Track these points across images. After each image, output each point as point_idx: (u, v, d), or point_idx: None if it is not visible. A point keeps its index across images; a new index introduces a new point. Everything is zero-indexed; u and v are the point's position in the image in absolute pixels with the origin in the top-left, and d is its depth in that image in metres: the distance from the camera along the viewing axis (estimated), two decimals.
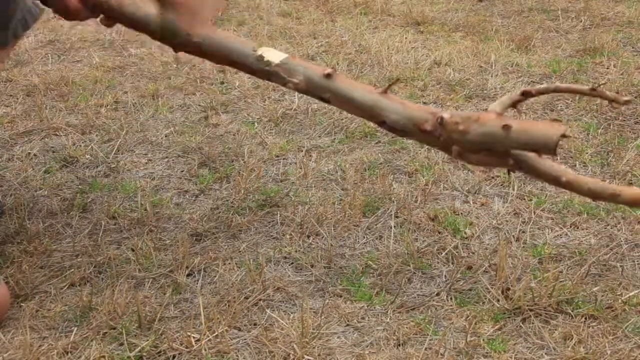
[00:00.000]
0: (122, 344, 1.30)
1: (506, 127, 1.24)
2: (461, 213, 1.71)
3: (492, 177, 1.87)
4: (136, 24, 1.42)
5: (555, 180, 1.28)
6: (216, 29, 1.42)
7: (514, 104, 1.30)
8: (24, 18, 1.50)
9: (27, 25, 1.51)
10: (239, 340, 1.32)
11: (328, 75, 1.36)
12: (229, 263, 1.54)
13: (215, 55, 1.42)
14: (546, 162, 1.28)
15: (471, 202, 1.77)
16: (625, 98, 1.29)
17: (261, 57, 1.36)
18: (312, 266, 1.54)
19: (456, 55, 2.70)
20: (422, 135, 1.34)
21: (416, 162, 1.94)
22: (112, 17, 1.42)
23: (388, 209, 1.73)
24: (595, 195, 1.27)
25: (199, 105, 2.31)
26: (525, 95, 1.29)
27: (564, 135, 1.24)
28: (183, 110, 2.29)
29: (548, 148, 1.26)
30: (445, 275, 1.50)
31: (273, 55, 1.37)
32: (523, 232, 1.65)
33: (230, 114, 2.26)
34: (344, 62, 2.67)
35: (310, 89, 1.40)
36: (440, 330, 1.35)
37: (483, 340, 1.32)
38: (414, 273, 1.51)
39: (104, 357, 1.28)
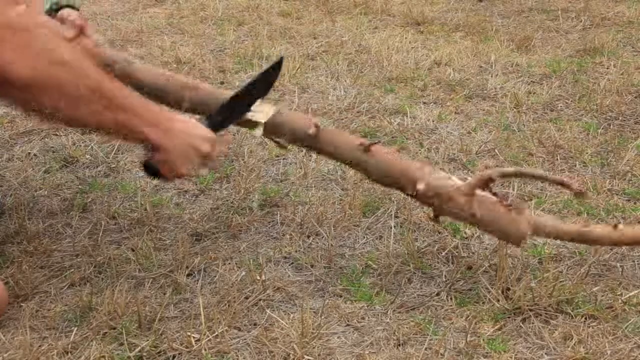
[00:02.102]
0: (122, 344, 1.30)
1: (472, 215, 1.40)
2: None
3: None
4: None
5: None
6: (206, 86, 1.51)
7: (481, 187, 1.39)
8: None
9: None
10: (239, 340, 1.32)
11: (310, 136, 1.45)
12: (229, 263, 1.54)
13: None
14: None
15: None
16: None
17: (249, 120, 1.45)
18: (312, 266, 1.54)
19: (456, 55, 2.70)
20: (407, 194, 1.46)
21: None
22: None
23: (388, 209, 1.73)
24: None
25: None
26: (490, 181, 1.41)
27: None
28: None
29: (512, 243, 1.44)
30: (445, 275, 1.50)
31: (264, 111, 1.45)
32: None
33: None
34: (344, 62, 2.67)
35: (298, 144, 1.50)
36: (440, 330, 1.35)
37: (483, 340, 1.32)
38: (414, 273, 1.51)
39: (104, 357, 1.28)
